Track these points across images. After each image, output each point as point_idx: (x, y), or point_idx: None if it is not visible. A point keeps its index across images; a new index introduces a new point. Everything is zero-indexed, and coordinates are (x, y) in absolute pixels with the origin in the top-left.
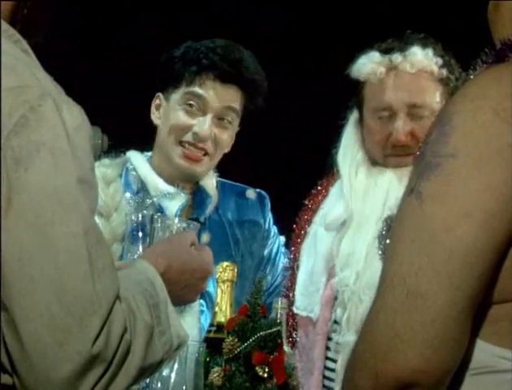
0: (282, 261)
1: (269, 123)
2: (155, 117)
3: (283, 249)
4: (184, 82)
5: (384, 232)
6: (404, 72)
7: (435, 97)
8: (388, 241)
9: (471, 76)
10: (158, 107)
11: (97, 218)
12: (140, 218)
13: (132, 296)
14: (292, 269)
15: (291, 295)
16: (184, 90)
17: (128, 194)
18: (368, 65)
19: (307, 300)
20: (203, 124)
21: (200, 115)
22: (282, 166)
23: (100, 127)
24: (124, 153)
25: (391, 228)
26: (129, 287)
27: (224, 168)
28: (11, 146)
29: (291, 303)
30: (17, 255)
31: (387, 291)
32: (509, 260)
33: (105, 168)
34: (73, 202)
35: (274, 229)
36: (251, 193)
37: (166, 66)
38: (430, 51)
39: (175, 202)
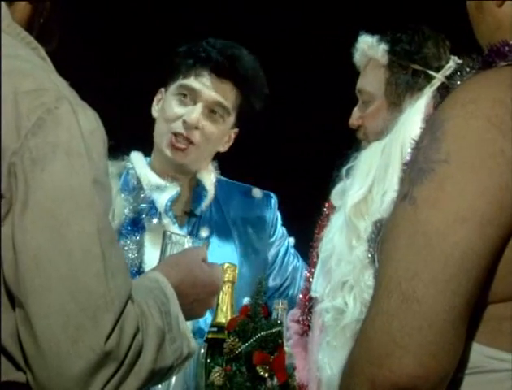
0: (292, 262)
1: (276, 127)
2: (154, 110)
3: (292, 251)
4: (181, 75)
5: (373, 236)
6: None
7: (375, 83)
8: (377, 244)
9: (458, 82)
10: (158, 101)
11: None
12: (132, 213)
13: (145, 301)
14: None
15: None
16: (180, 82)
17: (125, 192)
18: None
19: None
20: (192, 112)
21: (191, 105)
22: (291, 168)
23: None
24: (128, 155)
25: (383, 233)
26: (141, 292)
27: (231, 170)
28: (29, 147)
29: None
30: (32, 253)
31: (383, 296)
32: (501, 263)
33: None
34: (88, 202)
35: (282, 229)
36: (257, 192)
37: (168, 60)
38: (375, 39)
39: (165, 194)
